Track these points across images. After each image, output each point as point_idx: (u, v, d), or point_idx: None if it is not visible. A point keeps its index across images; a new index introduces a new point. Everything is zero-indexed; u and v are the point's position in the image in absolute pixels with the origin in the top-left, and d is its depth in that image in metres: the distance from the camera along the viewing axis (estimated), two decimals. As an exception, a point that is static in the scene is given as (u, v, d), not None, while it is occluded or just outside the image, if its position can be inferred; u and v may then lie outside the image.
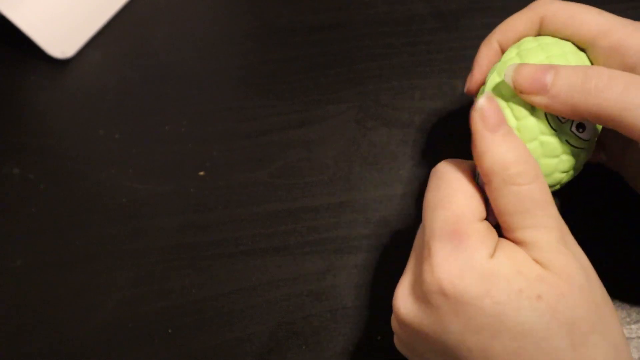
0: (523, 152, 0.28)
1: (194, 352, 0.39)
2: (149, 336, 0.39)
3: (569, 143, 0.30)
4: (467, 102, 0.44)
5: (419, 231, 0.31)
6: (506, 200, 0.28)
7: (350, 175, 0.42)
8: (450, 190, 0.29)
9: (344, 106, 0.45)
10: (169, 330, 0.39)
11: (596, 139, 0.32)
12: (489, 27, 0.46)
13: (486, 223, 0.29)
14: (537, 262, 0.28)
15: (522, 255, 0.28)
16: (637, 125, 0.27)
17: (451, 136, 0.43)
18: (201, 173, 0.44)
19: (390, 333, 0.38)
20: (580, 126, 0.30)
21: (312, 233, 0.41)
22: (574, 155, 0.31)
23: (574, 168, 0.31)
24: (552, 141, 0.30)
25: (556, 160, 0.30)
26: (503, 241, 0.29)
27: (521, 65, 0.30)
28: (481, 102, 0.29)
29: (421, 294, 0.28)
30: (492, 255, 0.28)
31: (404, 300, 0.30)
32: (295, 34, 0.48)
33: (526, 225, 0.28)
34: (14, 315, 0.40)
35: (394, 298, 0.30)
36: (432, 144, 0.43)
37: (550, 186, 0.31)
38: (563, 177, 0.31)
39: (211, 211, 0.42)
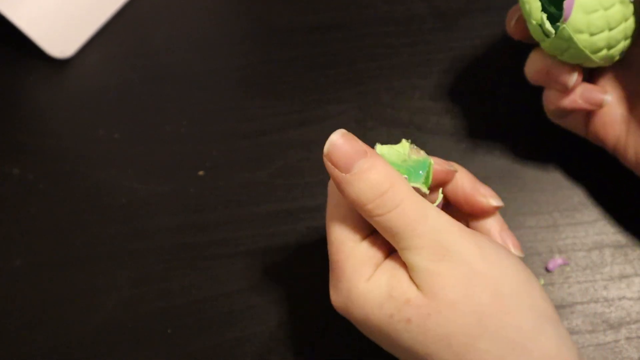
0: (378, 184, 0.28)
1: (194, 352, 0.39)
2: (149, 336, 0.39)
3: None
4: (467, 102, 0.44)
5: None
6: (378, 227, 0.29)
7: (350, 175, 0.42)
8: (329, 217, 0.31)
9: (344, 106, 0.45)
10: (169, 330, 0.39)
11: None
12: (489, 27, 0.47)
13: (366, 244, 0.30)
14: (413, 282, 0.29)
15: (400, 276, 0.29)
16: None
17: (451, 136, 0.43)
18: (201, 173, 0.44)
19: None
20: None
21: (312, 233, 0.41)
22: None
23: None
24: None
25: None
26: (388, 262, 0.30)
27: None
28: (327, 146, 0.29)
29: None
30: (368, 279, 0.29)
31: (332, 296, 0.32)
32: (295, 34, 0.48)
33: (400, 247, 0.29)
34: (14, 315, 0.40)
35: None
36: (432, 144, 0.43)
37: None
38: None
39: (211, 211, 0.42)
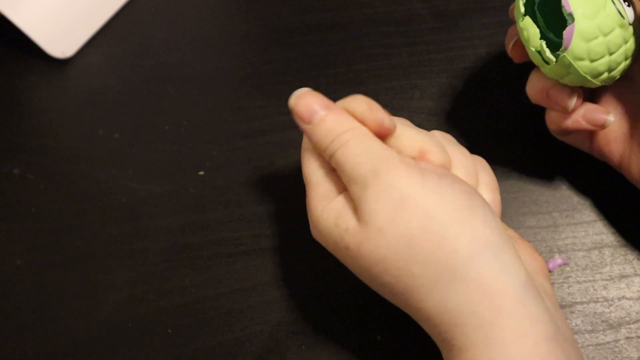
0: (331, 130, 0.32)
1: (194, 352, 0.39)
2: (149, 336, 0.39)
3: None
4: (467, 102, 0.44)
5: None
6: (336, 169, 0.32)
7: (350, 175, 0.42)
8: (302, 155, 0.35)
9: (344, 106, 0.45)
10: (169, 330, 0.39)
11: None
12: (489, 27, 0.47)
13: (328, 180, 0.33)
14: (355, 213, 0.31)
15: (347, 208, 0.32)
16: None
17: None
18: (201, 173, 0.44)
19: (390, 333, 0.38)
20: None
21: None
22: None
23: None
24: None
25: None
26: (343, 196, 0.32)
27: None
28: (291, 99, 0.33)
29: None
30: (324, 208, 0.32)
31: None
32: (295, 34, 0.48)
33: (345, 181, 0.32)
34: (14, 315, 0.40)
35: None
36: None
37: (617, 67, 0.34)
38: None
39: (211, 211, 0.42)
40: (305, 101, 0.33)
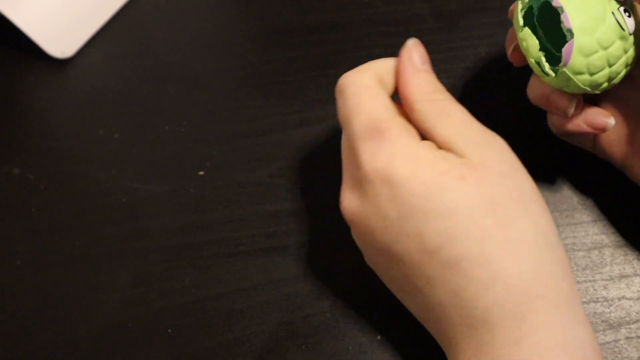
0: (433, 82, 0.34)
1: (194, 352, 0.39)
2: (149, 336, 0.39)
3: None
4: (467, 102, 0.44)
5: (343, 143, 0.34)
6: (421, 116, 0.32)
7: (350, 175, 0.42)
8: (358, 99, 0.33)
9: (344, 106, 0.45)
10: (169, 330, 0.39)
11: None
12: (489, 27, 0.47)
13: (403, 119, 0.32)
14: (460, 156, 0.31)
15: (447, 149, 0.31)
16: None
17: (451, 136, 0.43)
18: (201, 173, 0.44)
19: (390, 333, 0.38)
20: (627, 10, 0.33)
21: (312, 233, 0.41)
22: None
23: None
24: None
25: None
26: (428, 142, 0.32)
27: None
28: (410, 43, 0.35)
29: (359, 190, 0.31)
30: (417, 143, 0.31)
31: (347, 199, 0.32)
32: (295, 34, 0.48)
33: (439, 129, 0.32)
34: (15, 315, 0.40)
35: (340, 201, 0.33)
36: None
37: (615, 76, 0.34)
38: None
39: (211, 211, 0.42)
40: (422, 49, 0.35)
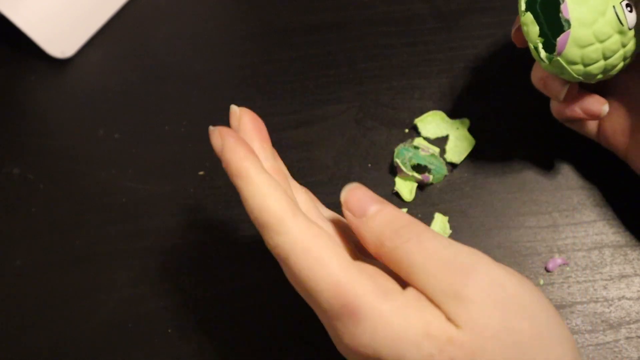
0: (396, 218, 0.28)
1: (193, 352, 0.39)
2: (149, 336, 0.39)
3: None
4: (467, 102, 0.44)
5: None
6: (392, 261, 0.28)
7: (350, 175, 0.42)
8: (311, 262, 0.28)
9: (344, 106, 0.45)
10: (169, 330, 0.39)
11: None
12: (489, 27, 0.47)
13: (370, 270, 0.28)
14: (449, 320, 0.26)
15: (430, 310, 0.26)
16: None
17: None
18: (201, 173, 0.44)
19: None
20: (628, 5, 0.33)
21: (312, 233, 0.41)
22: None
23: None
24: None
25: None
26: (410, 292, 0.27)
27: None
28: (343, 194, 0.30)
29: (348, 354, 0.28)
30: (395, 313, 0.26)
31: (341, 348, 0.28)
32: (295, 34, 0.48)
33: (416, 278, 0.27)
34: (14, 315, 0.40)
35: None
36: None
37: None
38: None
39: (211, 211, 0.42)
40: (358, 194, 0.29)
